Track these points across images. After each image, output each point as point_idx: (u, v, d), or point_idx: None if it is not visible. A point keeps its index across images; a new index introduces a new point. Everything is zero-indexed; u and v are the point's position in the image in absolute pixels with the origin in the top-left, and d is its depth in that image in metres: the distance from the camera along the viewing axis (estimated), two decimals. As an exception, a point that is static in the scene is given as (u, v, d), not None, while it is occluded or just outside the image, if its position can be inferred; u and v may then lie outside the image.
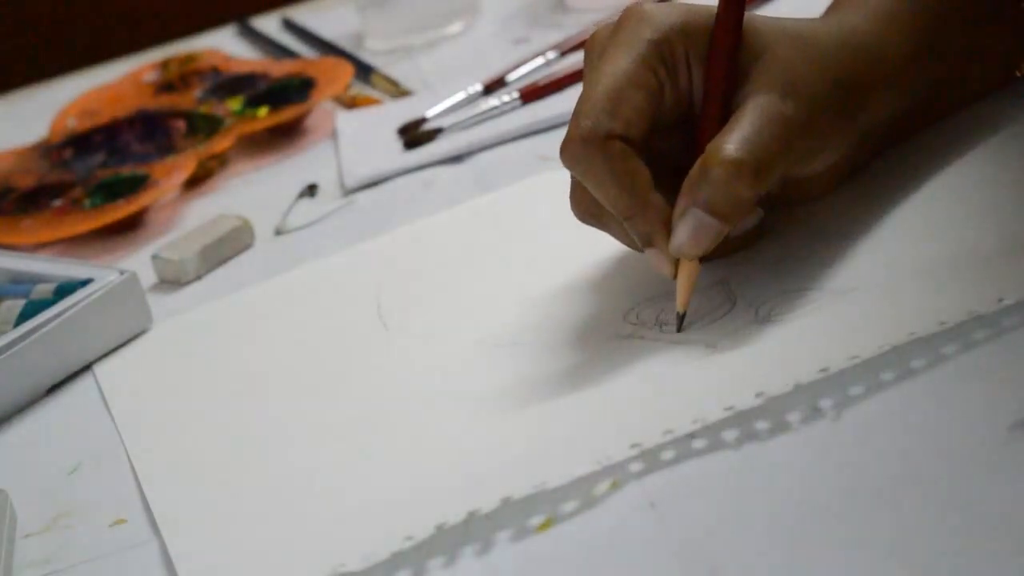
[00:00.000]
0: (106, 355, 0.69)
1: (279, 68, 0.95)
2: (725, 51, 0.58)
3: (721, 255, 0.60)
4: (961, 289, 0.53)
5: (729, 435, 0.49)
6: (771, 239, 0.61)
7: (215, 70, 0.98)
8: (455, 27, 0.98)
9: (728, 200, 0.55)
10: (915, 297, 0.54)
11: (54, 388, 0.67)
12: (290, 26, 1.08)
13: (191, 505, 0.56)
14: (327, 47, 1.02)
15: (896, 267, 0.56)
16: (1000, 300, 0.51)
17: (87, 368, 0.68)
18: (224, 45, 1.06)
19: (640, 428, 0.50)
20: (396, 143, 0.83)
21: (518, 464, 0.51)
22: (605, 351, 0.57)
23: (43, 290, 0.70)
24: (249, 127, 0.88)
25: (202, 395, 0.63)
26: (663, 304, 0.59)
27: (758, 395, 0.50)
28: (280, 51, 1.04)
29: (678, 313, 0.57)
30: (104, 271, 0.70)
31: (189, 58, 1.02)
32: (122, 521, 0.56)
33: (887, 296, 0.54)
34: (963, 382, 0.49)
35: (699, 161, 0.56)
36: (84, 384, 0.67)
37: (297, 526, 0.52)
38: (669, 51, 0.57)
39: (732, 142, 0.55)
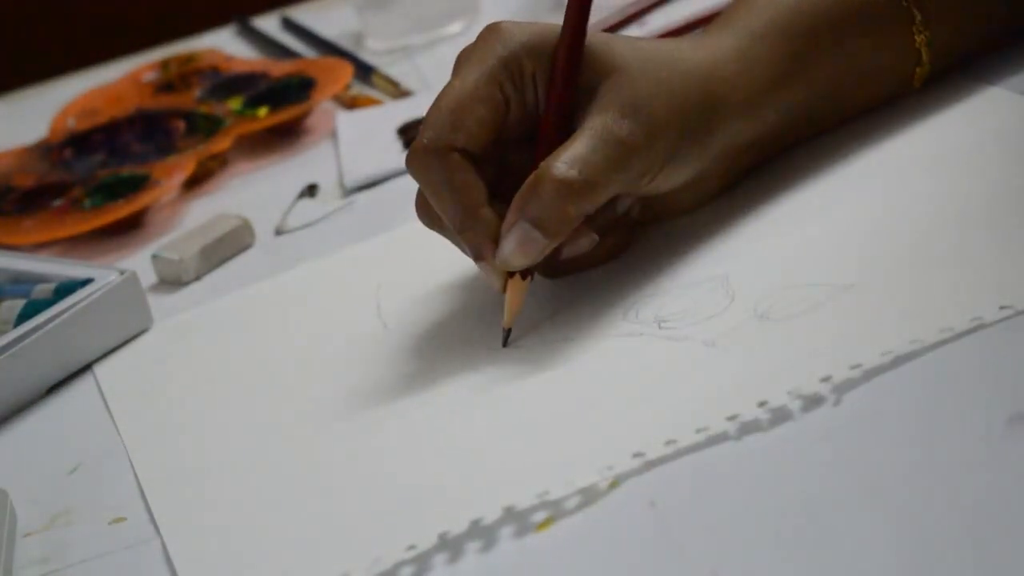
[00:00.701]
0: (106, 355, 0.69)
1: (279, 68, 0.95)
2: (563, 71, 0.60)
3: (565, 273, 0.63)
4: (962, 291, 0.53)
5: (731, 426, 0.49)
6: (770, 234, 0.61)
7: (215, 70, 0.98)
8: (455, 27, 0.98)
9: (555, 217, 0.58)
10: (916, 298, 0.54)
11: (54, 388, 0.67)
12: (290, 26, 1.08)
13: (191, 505, 0.56)
14: (327, 47, 1.02)
15: (895, 263, 0.56)
16: (1002, 307, 0.51)
17: (87, 368, 0.68)
18: (224, 45, 1.06)
19: (642, 436, 0.50)
20: (396, 143, 0.83)
21: (520, 472, 0.51)
22: (605, 350, 0.57)
23: (43, 290, 0.70)
24: (249, 127, 0.88)
25: (202, 395, 0.63)
26: (662, 301, 0.59)
27: (760, 404, 0.50)
28: (280, 51, 1.04)
29: (503, 328, 0.60)
30: (104, 271, 0.70)
31: (189, 58, 1.02)
32: (122, 520, 0.56)
33: (887, 295, 0.54)
34: (961, 374, 0.49)
35: (531, 177, 0.58)
36: (84, 384, 0.67)
37: (298, 528, 0.52)
38: (517, 68, 0.60)
39: (564, 160, 0.58)
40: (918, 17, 0.66)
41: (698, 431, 0.50)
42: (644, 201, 0.64)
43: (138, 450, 0.60)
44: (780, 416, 0.49)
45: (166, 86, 0.98)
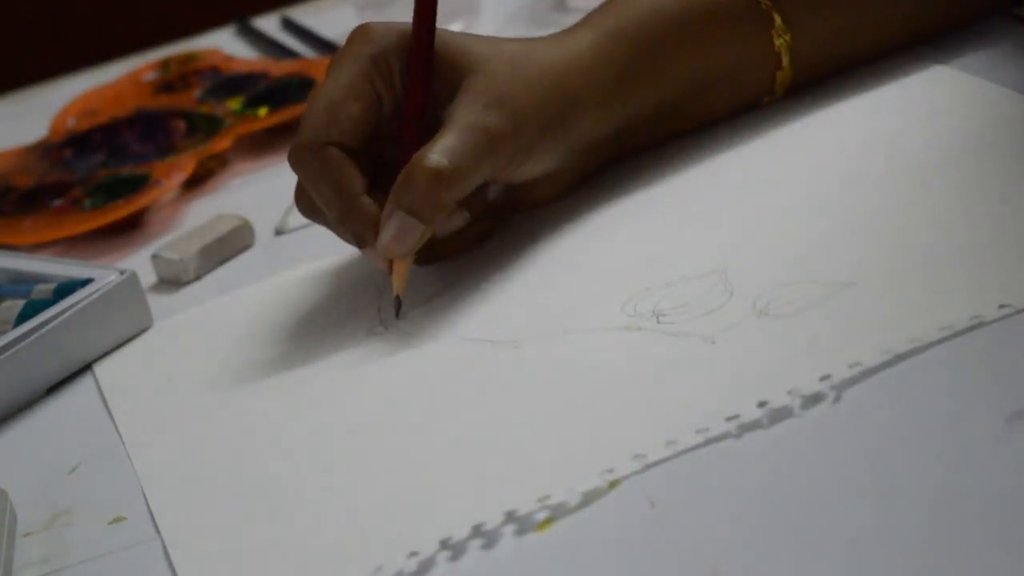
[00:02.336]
0: (106, 355, 0.69)
1: (279, 68, 0.95)
2: (416, 68, 0.64)
3: (436, 260, 0.67)
4: (962, 290, 0.53)
5: (731, 426, 0.49)
6: (769, 230, 0.61)
7: (215, 70, 0.98)
8: (455, 27, 0.97)
9: (429, 204, 0.62)
10: (915, 296, 0.54)
11: (54, 388, 0.67)
12: (290, 26, 1.08)
13: (191, 505, 0.56)
14: (327, 47, 1.02)
15: (895, 261, 0.56)
16: (1001, 306, 0.51)
17: (87, 368, 0.68)
18: (224, 45, 1.06)
19: (643, 438, 0.50)
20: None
21: (521, 475, 0.51)
22: (604, 344, 0.57)
23: (43, 290, 0.70)
24: (249, 127, 0.88)
25: (202, 395, 0.63)
26: (661, 295, 0.59)
27: (760, 404, 0.50)
28: (280, 51, 1.04)
29: (395, 297, 0.64)
30: (104, 271, 0.70)
31: (189, 58, 1.02)
32: (122, 519, 0.56)
33: (887, 293, 0.54)
34: (961, 371, 0.49)
35: (405, 168, 0.62)
36: (84, 384, 0.67)
37: (298, 530, 0.52)
38: (385, 65, 0.64)
39: (435, 151, 0.62)
40: (777, 20, 0.68)
41: (698, 432, 0.50)
42: (507, 192, 0.67)
43: (138, 450, 0.60)
44: (780, 414, 0.50)
45: (166, 86, 0.98)
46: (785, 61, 0.69)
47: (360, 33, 0.65)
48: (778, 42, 0.68)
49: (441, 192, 0.61)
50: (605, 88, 0.66)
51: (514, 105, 0.63)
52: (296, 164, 0.64)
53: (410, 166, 0.62)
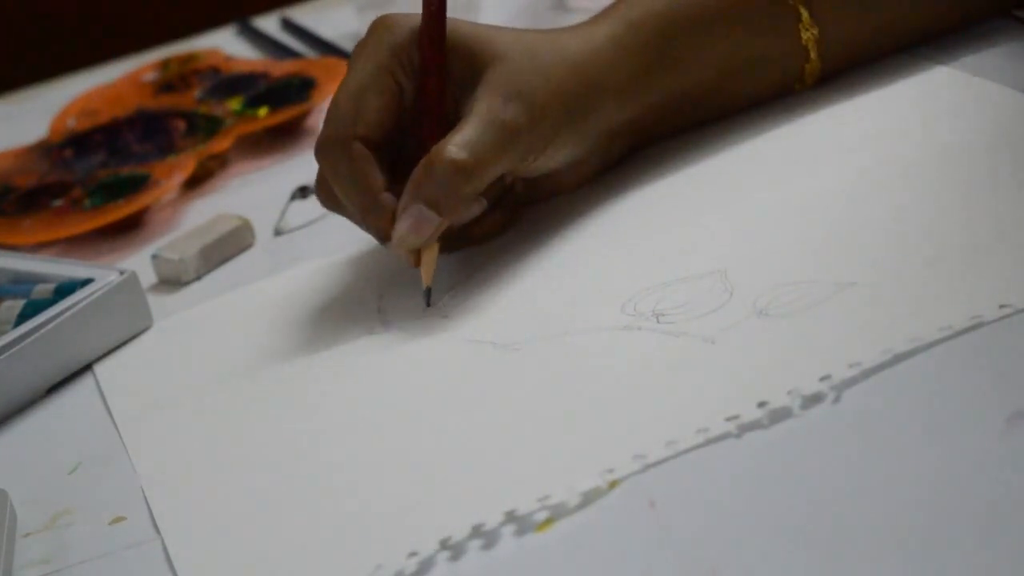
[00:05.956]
0: (106, 355, 0.69)
1: (279, 68, 0.95)
2: (428, 58, 0.64)
3: (455, 249, 0.67)
4: (962, 290, 0.53)
5: (731, 426, 0.49)
6: (770, 229, 0.61)
7: (215, 70, 0.98)
8: (455, 26, 0.97)
9: (448, 196, 0.62)
10: (916, 295, 0.54)
11: (54, 388, 0.67)
12: (290, 26, 1.08)
13: (191, 505, 0.56)
14: (327, 47, 1.02)
15: (895, 260, 0.56)
16: (1001, 306, 0.51)
17: (87, 368, 0.68)
18: (224, 45, 1.06)
19: (643, 437, 0.50)
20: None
21: (521, 475, 0.51)
22: (604, 344, 0.57)
23: (43, 290, 0.70)
24: (249, 127, 0.88)
25: (202, 395, 0.63)
26: (661, 294, 0.59)
27: (760, 405, 0.50)
28: (280, 51, 1.04)
29: (425, 289, 0.64)
30: (104, 271, 0.70)
31: (189, 58, 1.02)
32: (122, 519, 0.56)
33: (887, 292, 0.54)
34: (962, 372, 0.49)
35: (423, 160, 0.62)
36: (84, 384, 0.67)
37: (298, 530, 0.52)
38: (406, 57, 0.64)
39: (455, 144, 0.62)
40: (804, 14, 0.68)
41: (698, 431, 0.50)
42: (527, 181, 0.68)
43: (138, 450, 0.60)
44: (780, 414, 0.50)
45: (166, 86, 0.98)
46: (814, 54, 0.69)
47: (379, 25, 0.65)
48: (805, 36, 0.68)
49: (461, 185, 0.61)
50: (626, 75, 0.67)
51: (533, 98, 0.63)
52: (322, 158, 0.64)
53: (428, 159, 0.62)
